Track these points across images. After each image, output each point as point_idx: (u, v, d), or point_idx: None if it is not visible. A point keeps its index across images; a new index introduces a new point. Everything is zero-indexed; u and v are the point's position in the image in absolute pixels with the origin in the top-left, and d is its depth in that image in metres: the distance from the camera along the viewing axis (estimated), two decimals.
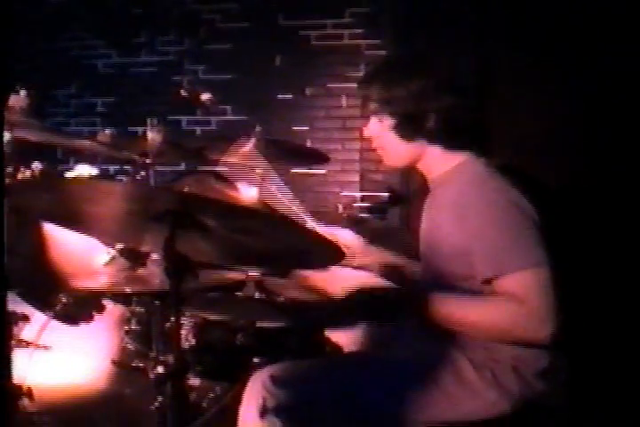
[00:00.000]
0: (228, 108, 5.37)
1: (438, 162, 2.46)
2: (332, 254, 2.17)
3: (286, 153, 3.77)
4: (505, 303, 2.19)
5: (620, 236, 3.94)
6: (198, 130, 5.52)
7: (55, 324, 3.07)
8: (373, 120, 2.50)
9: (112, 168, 4.43)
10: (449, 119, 2.38)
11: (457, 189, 2.36)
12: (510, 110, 4.17)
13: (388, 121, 2.44)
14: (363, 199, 5.21)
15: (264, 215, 2.06)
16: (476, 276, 2.26)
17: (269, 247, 2.13)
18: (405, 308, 2.33)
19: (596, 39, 3.99)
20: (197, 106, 3.44)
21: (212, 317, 2.90)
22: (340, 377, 2.42)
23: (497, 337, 2.27)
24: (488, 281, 2.24)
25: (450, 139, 2.42)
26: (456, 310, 2.28)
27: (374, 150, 2.58)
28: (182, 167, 5.22)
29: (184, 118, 5.51)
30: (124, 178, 3.68)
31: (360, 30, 5.12)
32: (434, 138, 2.42)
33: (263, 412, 2.36)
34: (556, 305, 2.14)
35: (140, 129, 4.65)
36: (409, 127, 2.42)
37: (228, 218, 2.03)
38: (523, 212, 2.26)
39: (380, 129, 2.48)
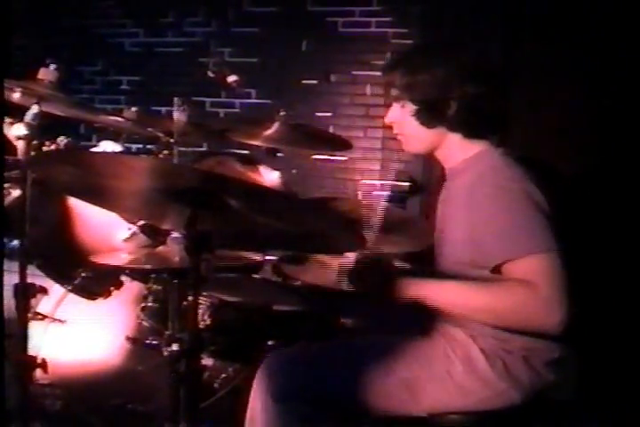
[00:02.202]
0: (253, 91, 5.37)
1: (457, 150, 2.46)
2: (352, 240, 2.18)
3: (309, 138, 3.77)
4: (514, 288, 2.18)
5: (637, 226, 3.94)
6: (222, 112, 5.52)
7: (73, 298, 3.10)
8: (395, 106, 2.50)
9: (135, 147, 4.42)
10: (471, 107, 2.38)
11: (471, 178, 2.36)
12: (534, 100, 4.16)
13: (410, 107, 2.44)
14: (383, 188, 5.20)
15: (287, 198, 2.05)
16: (487, 263, 2.25)
17: (290, 230, 2.13)
18: (412, 294, 2.31)
19: (623, 29, 3.98)
20: (223, 87, 3.42)
21: (229, 298, 2.91)
22: (349, 361, 2.43)
23: (506, 323, 2.26)
24: (498, 268, 2.23)
25: (470, 127, 2.42)
26: (465, 296, 2.27)
27: (396, 139, 2.58)
28: (205, 149, 5.23)
29: (208, 100, 5.51)
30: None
31: (388, 18, 5.10)
32: (454, 125, 2.42)
33: (274, 395, 2.38)
34: (566, 292, 2.13)
35: (163, 109, 4.68)
36: (430, 114, 2.42)
37: (251, 199, 2.03)
38: (534, 201, 2.25)
39: (401, 115, 2.48)
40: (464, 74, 2.38)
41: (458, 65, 2.40)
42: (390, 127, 2.56)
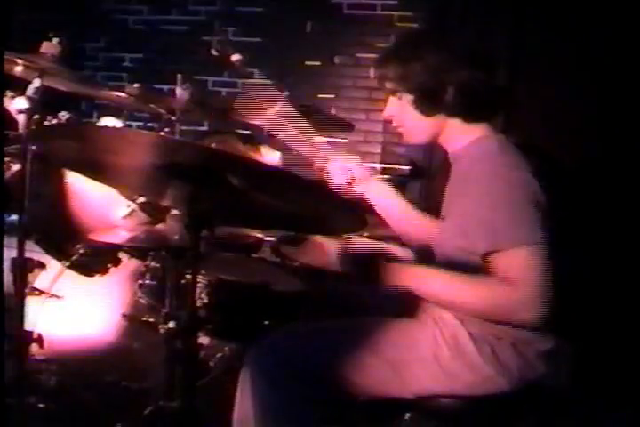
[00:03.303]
0: (256, 71, 5.36)
1: (457, 136, 2.45)
2: (352, 222, 2.17)
3: (311, 119, 3.75)
4: (494, 286, 2.18)
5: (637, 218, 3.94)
6: (224, 91, 5.51)
7: (70, 273, 3.10)
8: (392, 99, 2.50)
9: (136, 124, 4.42)
10: (468, 91, 2.37)
11: (469, 163, 2.37)
12: (537, 86, 4.15)
13: (408, 97, 2.43)
14: (383, 171, 5.20)
15: (289, 177, 2.04)
16: (474, 251, 2.25)
17: (291, 210, 2.12)
18: (397, 281, 2.31)
19: (628, 17, 3.96)
20: (227, 66, 3.41)
21: (227, 277, 2.90)
22: (336, 342, 2.43)
23: (486, 318, 2.26)
24: (485, 257, 2.23)
25: (469, 111, 2.41)
26: (447, 290, 2.27)
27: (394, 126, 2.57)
28: (205, 128, 5.22)
29: (210, 79, 5.50)
30: None
31: (394, 1, 5.09)
32: (453, 111, 2.41)
33: (263, 376, 2.38)
34: (547, 288, 2.12)
35: (165, 87, 4.66)
36: (428, 101, 2.40)
37: (252, 177, 2.02)
38: (528, 190, 2.24)
39: (399, 107, 2.47)
40: (457, 59, 2.37)
41: (449, 51, 2.39)
42: (388, 119, 2.56)
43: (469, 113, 2.42)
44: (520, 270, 2.14)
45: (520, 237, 2.18)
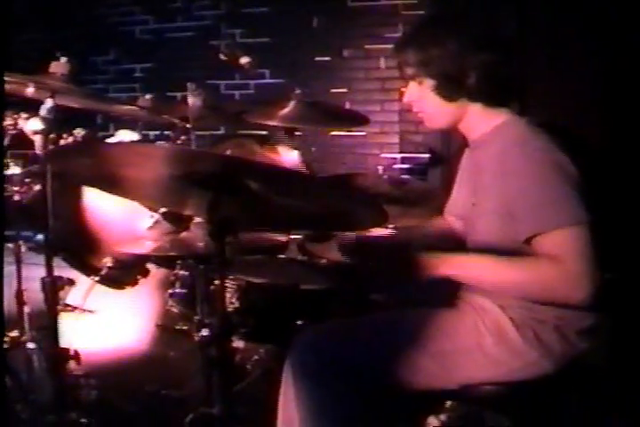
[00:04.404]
0: (267, 71, 5.37)
1: (480, 121, 2.44)
2: (374, 217, 2.17)
3: (326, 115, 3.75)
4: (541, 264, 2.18)
5: None
6: (237, 94, 5.52)
7: (101, 287, 3.12)
8: (412, 84, 2.48)
9: (152, 133, 4.44)
10: (489, 75, 2.35)
11: (500, 148, 2.34)
12: (548, 68, 4.13)
13: (429, 83, 2.42)
14: (403, 161, 5.20)
15: (307, 178, 2.05)
16: (518, 236, 2.25)
17: (312, 210, 2.13)
18: (441, 271, 2.31)
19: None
20: (236, 69, 3.41)
21: (255, 279, 2.91)
22: (377, 337, 2.42)
23: (533, 298, 2.27)
24: (528, 241, 2.23)
25: (490, 95, 2.40)
26: (492, 272, 2.27)
27: (414, 112, 2.56)
28: (222, 132, 5.23)
29: (222, 83, 5.51)
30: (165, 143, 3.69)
31: None
32: (475, 95, 2.40)
33: (305, 372, 2.38)
34: (594, 265, 2.12)
35: (178, 94, 4.67)
36: (449, 86, 2.39)
37: (271, 181, 2.02)
38: (565, 172, 2.24)
39: (420, 92, 2.46)
40: (476, 43, 2.36)
41: (468, 35, 2.39)
42: (408, 104, 2.55)
43: (491, 97, 2.41)
44: (568, 250, 2.14)
45: (565, 217, 2.18)
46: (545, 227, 2.18)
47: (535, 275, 2.19)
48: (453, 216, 2.77)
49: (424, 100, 2.46)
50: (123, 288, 3.16)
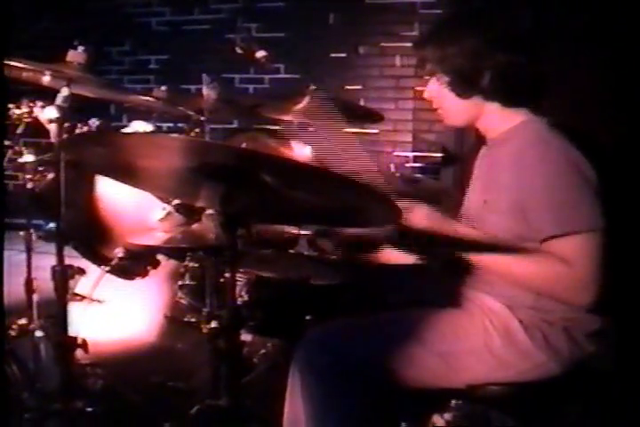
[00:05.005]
0: (282, 66, 5.36)
1: (497, 120, 2.45)
2: (389, 213, 2.17)
3: (340, 112, 3.74)
4: (552, 263, 2.19)
5: None
6: (251, 88, 5.52)
7: (110, 277, 3.12)
8: (432, 81, 2.50)
9: (166, 125, 4.43)
10: (504, 76, 2.36)
11: (517, 147, 2.34)
12: (567, 67, 4.11)
13: (444, 79, 2.44)
14: (415, 159, 5.19)
15: (321, 172, 2.04)
16: (532, 236, 2.25)
17: (326, 205, 2.12)
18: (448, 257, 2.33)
19: None
20: (252, 63, 3.41)
21: (265, 273, 2.91)
22: (385, 335, 2.43)
23: (540, 292, 2.29)
24: (541, 240, 2.23)
25: (506, 96, 2.41)
26: (506, 259, 2.29)
27: (427, 110, 2.58)
28: (235, 125, 5.24)
29: (237, 76, 5.51)
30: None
31: None
32: (490, 95, 2.41)
33: (312, 369, 2.38)
34: (602, 271, 2.15)
35: (192, 87, 4.68)
36: (463, 84, 2.41)
37: (284, 174, 2.02)
38: (583, 174, 2.24)
39: (438, 88, 2.48)
40: (494, 43, 2.37)
41: (487, 35, 2.39)
42: (428, 100, 2.55)
43: (507, 97, 2.41)
44: (580, 255, 2.16)
45: (580, 222, 2.19)
46: (562, 230, 2.19)
47: (543, 271, 2.22)
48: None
49: (441, 96, 2.48)
50: (133, 279, 3.16)
